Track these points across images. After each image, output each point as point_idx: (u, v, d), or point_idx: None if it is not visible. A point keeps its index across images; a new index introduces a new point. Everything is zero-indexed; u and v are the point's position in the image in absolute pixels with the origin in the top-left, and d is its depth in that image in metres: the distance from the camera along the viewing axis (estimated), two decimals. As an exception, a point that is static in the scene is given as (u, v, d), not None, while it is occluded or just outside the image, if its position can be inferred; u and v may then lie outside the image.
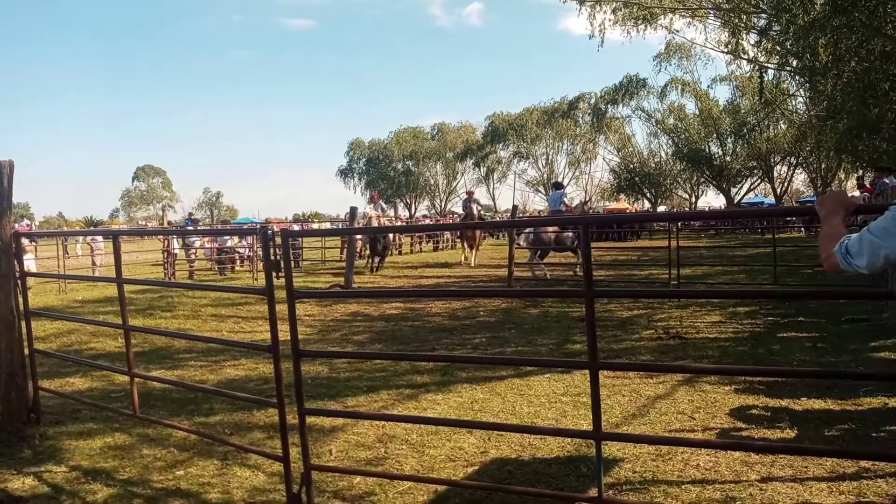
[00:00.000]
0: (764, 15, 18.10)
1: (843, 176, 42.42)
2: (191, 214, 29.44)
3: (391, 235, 19.65)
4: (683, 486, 3.45)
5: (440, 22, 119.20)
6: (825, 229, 2.13)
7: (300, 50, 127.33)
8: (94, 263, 16.48)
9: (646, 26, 20.86)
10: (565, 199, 15.89)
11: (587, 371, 2.89)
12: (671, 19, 21.47)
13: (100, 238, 16.60)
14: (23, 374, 4.69)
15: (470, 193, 19.86)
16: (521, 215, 33.42)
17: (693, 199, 54.18)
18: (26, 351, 4.81)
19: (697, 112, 48.16)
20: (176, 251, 18.13)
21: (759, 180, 49.76)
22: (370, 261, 17.44)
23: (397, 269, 18.06)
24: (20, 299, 4.74)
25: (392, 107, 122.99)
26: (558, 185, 17.67)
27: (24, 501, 3.55)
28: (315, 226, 33.08)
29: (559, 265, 15.18)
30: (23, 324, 4.76)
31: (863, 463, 3.58)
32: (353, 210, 14.95)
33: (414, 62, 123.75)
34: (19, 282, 4.76)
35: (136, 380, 4.49)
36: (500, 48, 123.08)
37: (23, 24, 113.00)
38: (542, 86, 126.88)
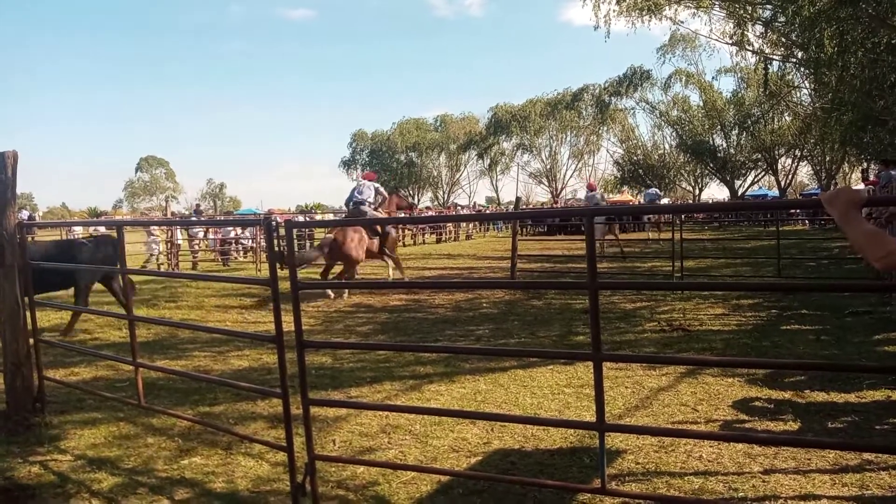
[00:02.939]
0: (769, 6, 18.02)
1: (847, 169, 42.27)
2: (198, 206, 29.46)
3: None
4: (686, 478, 3.46)
5: (440, 12, 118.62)
6: (857, 229, 2.00)
7: (300, 41, 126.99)
8: None
9: (650, 17, 20.75)
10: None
11: (590, 363, 2.89)
12: (676, 10, 21.38)
13: (102, 229, 16.68)
14: (28, 363, 4.71)
15: (369, 178, 12.08)
16: (524, 207, 33.38)
17: (697, 192, 54.08)
18: (31, 341, 4.82)
19: (702, 104, 48.01)
20: (179, 241, 18.17)
21: (763, 173, 49.65)
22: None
23: (401, 261, 18.06)
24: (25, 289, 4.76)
25: (395, 98, 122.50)
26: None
27: (30, 489, 3.57)
28: (318, 217, 33.09)
29: (561, 258, 15.19)
30: (27, 314, 4.78)
31: (866, 455, 3.58)
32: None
33: (416, 53, 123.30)
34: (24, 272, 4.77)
35: (141, 369, 4.51)
36: (501, 39, 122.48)
37: (25, 16, 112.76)
38: (544, 77, 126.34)
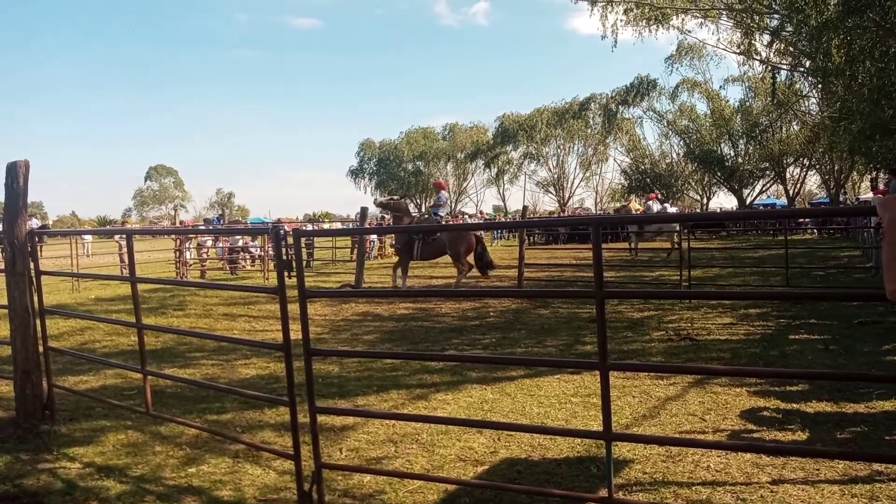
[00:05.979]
0: (776, 15, 18.02)
1: (856, 178, 42.08)
2: (221, 214, 29.71)
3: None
4: (693, 488, 3.44)
5: (446, 21, 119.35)
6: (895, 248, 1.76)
7: (308, 49, 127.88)
8: (122, 261, 16.78)
9: (658, 27, 20.77)
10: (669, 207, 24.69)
11: (597, 372, 2.89)
12: (683, 20, 21.38)
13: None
14: (37, 371, 4.74)
15: (443, 186, 14.68)
16: (531, 216, 33.40)
17: (705, 201, 53.91)
18: (41, 349, 4.86)
19: (709, 113, 47.88)
20: (189, 253, 18.26)
21: (771, 182, 49.42)
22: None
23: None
24: (35, 297, 4.79)
25: (402, 107, 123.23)
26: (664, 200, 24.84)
27: (39, 497, 3.59)
28: (326, 226, 33.18)
29: (570, 266, 15.18)
30: (37, 322, 4.81)
31: (875, 466, 3.56)
32: (364, 210, 14.97)
33: (422, 62, 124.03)
34: (34, 280, 4.81)
35: (149, 378, 4.53)
36: (507, 48, 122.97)
37: (34, 22, 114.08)
38: (551, 86, 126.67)
